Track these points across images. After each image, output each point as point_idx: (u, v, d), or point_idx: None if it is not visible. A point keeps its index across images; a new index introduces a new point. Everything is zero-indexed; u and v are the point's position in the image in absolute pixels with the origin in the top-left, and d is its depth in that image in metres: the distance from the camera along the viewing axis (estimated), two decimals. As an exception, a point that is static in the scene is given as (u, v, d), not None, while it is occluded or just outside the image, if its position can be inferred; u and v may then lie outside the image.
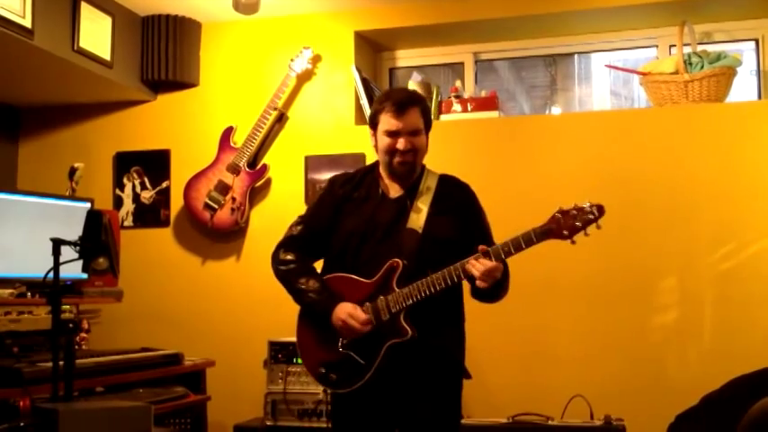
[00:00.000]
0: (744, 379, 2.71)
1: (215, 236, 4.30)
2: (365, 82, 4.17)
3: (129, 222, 4.45)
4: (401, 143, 2.57)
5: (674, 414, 2.77)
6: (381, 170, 2.69)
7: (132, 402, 2.73)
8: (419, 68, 4.52)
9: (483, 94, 4.24)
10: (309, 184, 4.22)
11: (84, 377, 3.02)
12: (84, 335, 3.86)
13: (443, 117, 4.18)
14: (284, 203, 4.17)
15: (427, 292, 2.48)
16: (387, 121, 2.59)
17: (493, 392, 3.77)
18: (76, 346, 3.52)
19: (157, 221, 4.43)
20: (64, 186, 3.98)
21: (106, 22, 4.04)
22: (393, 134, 2.58)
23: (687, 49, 3.87)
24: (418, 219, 2.58)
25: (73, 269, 2.62)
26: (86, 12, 3.88)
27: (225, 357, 3.98)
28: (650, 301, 3.78)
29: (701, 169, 3.78)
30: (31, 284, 3.32)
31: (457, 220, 2.62)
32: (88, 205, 3.72)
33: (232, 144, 4.23)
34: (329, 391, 2.76)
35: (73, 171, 3.98)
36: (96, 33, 3.95)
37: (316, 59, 4.28)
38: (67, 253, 2.57)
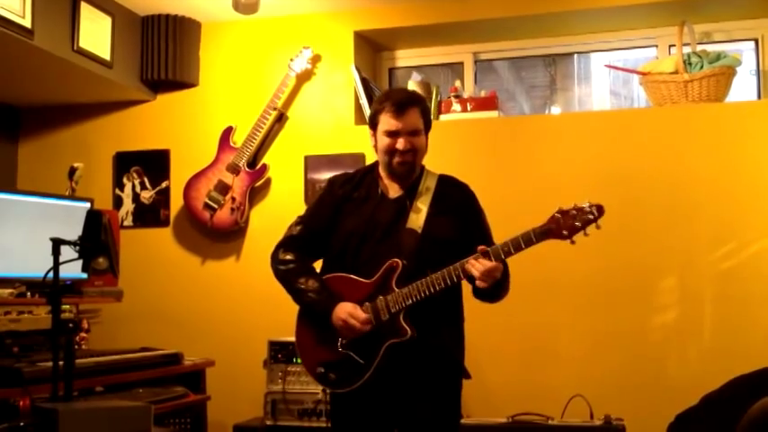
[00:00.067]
0: (744, 379, 2.70)
1: (215, 236, 4.31)
2: (365, 82, 4.17)
3: (128, 222, 4.45)
4: (401, 143, 2.57)
5: (674, 413, 2.77)
6: (381, 170, 2.69)
7: (132, 402, 2.74)
8: (419, 68, 4.52)
9: (482, 93, 4.24)
10: (309, 184, 4.22)
11: (84, 377, 3.02)
12: (83, 335, 3.86)
13: (443, 117, 4.18)
14: (284, 203, 4.17)
15: (427, 292, 2.48)
16: (386, 122, 2.59)
17: (493, 392, 3.77)
18: (76, 346, 3.52)
19: (157, 221, 4.43)
20: (64, 186, 3.98)
21: (106, 22, 4.04)
22: (393, 134, 2.58)
23: (687, 49, 3.87)
24: (418, 219, 2.58)
25: (73, 269, 2.61)
26: (86, 12, 3.88)
27: (225, 357, 3.99)
28: (650, 300, 3.78)
29: (700, 169, 3.78)
30: (31, 284, 3.32)
31: (456, 221, 2.63)
32: (88, 205, 3.72)
33: (232, 144, 4.23)
34: (328, 391, 2.76)
35: (73, 171, 3.99)
36: (96, 33, 3.95)
37: (315, 59, 4.28)
38: (67, 253, 2.57)
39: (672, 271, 3.77)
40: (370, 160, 3.60)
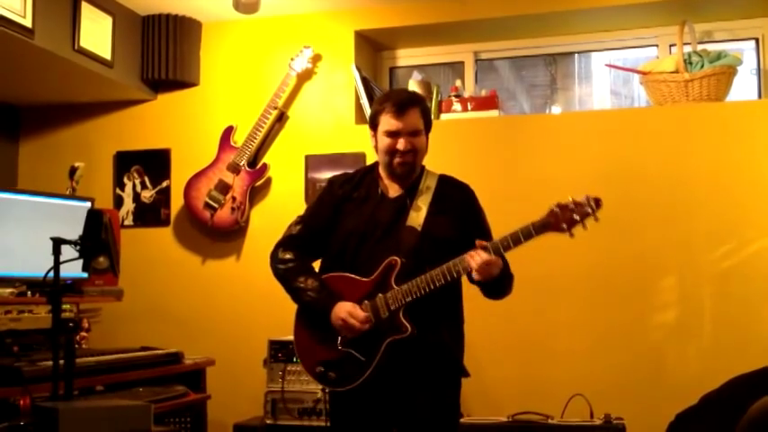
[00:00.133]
0: (743, 378, 2.70)
1: (215, 235, 4.31)
2: (365, 81, 4.17)
3: (129, 221, 4.46)
4: (401, 143, 2.58)
5: (675, 413, 2.77)
6: (381, 170, 2.70)
7: (132, 401, 2.75)
8: (419, 68, 4.52)
9: (483, 93, 4.25)
10: (309, 184, 4.22)
11: (85, 376, 3.02)
12: (84, 334, 3.86)
13: (443, 116, 4.18)
14: (284, 203, 4.17)
15: (426, 289, 2.48)
16: (387, 122, 2.59)
17: (492, 390, 3.77)
18: (77, 345, 3.52)
19: (158, 221, 4.43)
20: (64, 186, 3.99)
21: (107, 22, 4.04)
22: (393, 134, 2.59)
23: (687, 49, 3.87)
24: (417, 217, 2.59)
25: (73, 268, 2.62)
26: (87, 11, 3.88)
27: (225, 356, 3.99)
28: (650, 299, 3.78)
29: (701, 168, 3.78)
30: (32, 283, 3.32)
31: (456, 220, 2.63)
32: (88, 204, 3.72)
33: (232, 143, 4.23)
34: (327, 390, 2.76)
35: (73, 170, 3.99)
36: (97, 33, 3.96)
37: (316, 59, 4.28)
38: (68, 252, 2.58)
39: (672, 270, 3.77)
40: (370, 160, 3.61)
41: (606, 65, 4.57)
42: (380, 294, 2.53)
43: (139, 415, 2.27)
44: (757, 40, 4.14)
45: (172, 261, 4.37)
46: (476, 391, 3.48)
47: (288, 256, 2.68)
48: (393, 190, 2.67)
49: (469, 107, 4.16)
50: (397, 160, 2.60)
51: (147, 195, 4.47)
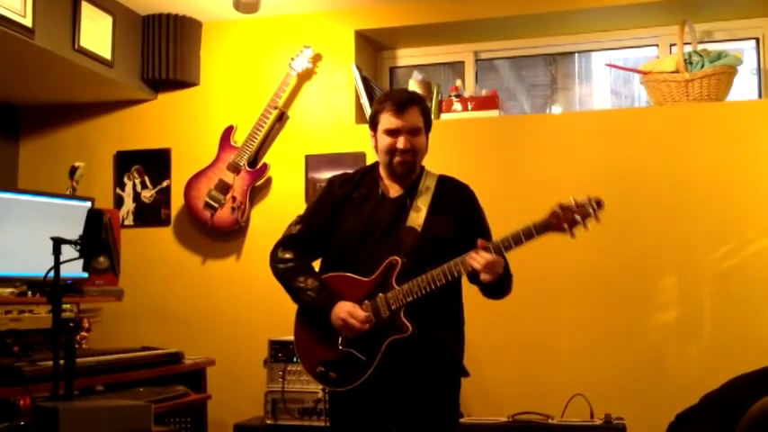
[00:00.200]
0: (744, 378, 2.70)
1: (215, 235, 4.31)
2: (365, 81, 4.17)
3: (129, 221, 4.46)
4: (401, 142, 2.58)
5: (675, 413, 2.77)
6: (381, 170, 2.70)
7: (132, 401, 2.75)
8: (419, 67, 4.52)
9: (483, 93, 4.24)
10: (310, 183, 4.22)
11: (85, 376, 3.03)
12: (84, 334, 3.86)
13: (444, 116, 4.18)
14: (284, 202, 4.17)
15: (427, 289, 2.48)
16: (387, 120, 2.59)
17: (492, 391, 3.77)
18: (77, 345, 3.52)
19: (158, 220, 4.43)
20: (64, 185, 3.99)
21: (107, 22, 4.04)
22: (393, 133, 2.59)
23: (688, 48, 3.87)
24: (418, 217, 2.59)
25: (73, 268, 2.62)
26: (87, 11, 3.88)
27: (225, 356, 3.99)
28: (650, 299, 3.78)
29: (701, 168, 3.78)
30: (32, 283, 3.32)
31: (456, 220, 2.63)
32: (89, 204, 3.72)
33: (232, 143, 4.23)
34: (327, 390, 2.76)
35: (73, 170, 3.99)
36: (97, 32, 3.95)
37: (316, 58, 4.28)
38: (68, 252, 2.58)
39: (672, 270, 3.77)
40: (370, 160, 3.61)
41: (606, 65, 4.57)
42: (381, 294, 2.53)
43: (140, 415, 2.27)
44: (757, 40, 4.14)
45: (172, 261, 4.37)
46: (476, 391, 3.48)
47: (288, 255, 2.67)
48: (393, 190, 2.67)
49: (470, 107, 4.15)
50: (396, 159, 2.60)
51: (147, 195, 4.47)
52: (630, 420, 3.34)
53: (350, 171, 2.82)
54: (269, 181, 4.27)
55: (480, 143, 4.08)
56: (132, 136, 4.49)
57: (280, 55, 4.29)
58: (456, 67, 4.59)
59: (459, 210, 2.66)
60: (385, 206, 2.63)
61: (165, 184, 4.45)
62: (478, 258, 2.44)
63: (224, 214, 4.19)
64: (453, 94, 4.22)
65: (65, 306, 3.29)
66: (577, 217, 2.44)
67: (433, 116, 3.38)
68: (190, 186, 4.25)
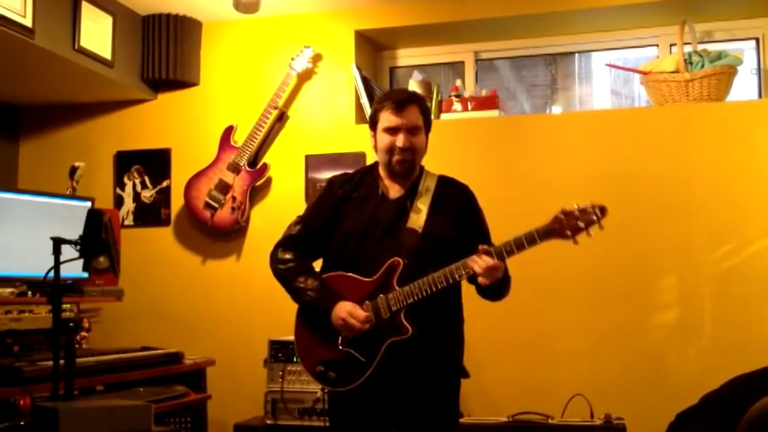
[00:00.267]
0: (744, 378, 2.70)
1: (215, 235, 4.31)
2: (365, 81, 4.17)
3: (129, 221, 4.46)
4: (400, 140, 2.57)
5: (675, 413, 2.77)
6: (381, 170, 2.69)
7: (132, 401, 2.75)
8: (420, 67, 4.52)
9: (483, 93, 4.24)
10: (310, 183, 4.22)
11: (85, 376, 3.03)
12: (84, 334, 3.86)
13: (444, 116, 4.18)
14: (284, 202, 4.17)
15: (428, 291, 2.48)
16: (386, 118, 2.60)
17: (492, 391, 3.77)
18: (77, 345, 3.52)
19: (158, 220, 4.43)
20: (64, 185, 3.99)
21: (107, 22, 4.04)
22: (392, 131, 2.59)
23: (688, 48, 3.87)
24: (418, 219, 2.58)
25: (73, 268, 2.62)
26: (87, 11, 3.88)
27: (225, 356, 3.99)
28: (651, 299, 3.78)
29: (701, 168, 3.78)
30: (32, 283, 3.32)
31: (456, 221, 2.63)
32: (89, 204, 3.72)
33: (232, 143, 4.23)
34: (327, 390, 2.76)
35: (73, 170, 3.99)
36: (97, 32, 3.95)
37: (316, 58, 4.28)
38: (68, 252, 2.58)
39: (672, 270, 3.77)
40: (370, 160, 3.60)
41: (606, 65, 4.57)
42: (382, 295, 2.53)
43: (140, 415, 2.27)
44: (757, 40, 4.13)
45: (172, 261, 4.37)
46: (476, 392, 3.48)
47: (288, 256, 2.67)
48: (393, 191, 2.67)
49: (470, 107, 4.15)
50: (395, 158, 2.60)
51: (147, 195, 4.47)
52: (630, 420, 3.34)
53: (350, 171, 2.82)
54: (269, 181, 4.27)
55: (480, 143, 4.08)
56: (132, 136, 4.49)
57: (280, 55, 4.29)
58: (456, 67, 4.59)
59: (459, 211, 2.66)
60: (385, 207, 2.63)
61: (165, 184, 4.45)
62: (480, 262, 2.44)
63: (224, 214, 4.19)
64: (453, 94, 4.22)
65: (65, 306, 3.30)
66: (581, 224, 2.44)
67: (433, 116, 3.38)
68: (190, 186, 4.25)
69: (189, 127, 4.43)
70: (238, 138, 4.24)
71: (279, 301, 2.81)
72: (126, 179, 4.49)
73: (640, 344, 3.75)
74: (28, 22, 3.48)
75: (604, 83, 4.88)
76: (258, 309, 4.12)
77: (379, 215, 2.61)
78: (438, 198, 2.64)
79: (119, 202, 4.48)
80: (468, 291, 2.66)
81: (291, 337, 2.73)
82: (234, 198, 4.18)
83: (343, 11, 4.27)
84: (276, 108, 4.19)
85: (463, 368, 2.63)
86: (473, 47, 4.47)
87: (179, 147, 4.44)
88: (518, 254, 2.46)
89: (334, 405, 2.69)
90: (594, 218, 2.44)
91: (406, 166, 2.62)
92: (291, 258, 2.67)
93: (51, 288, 2.55)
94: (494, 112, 4.12)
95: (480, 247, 2.46)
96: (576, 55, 4.75)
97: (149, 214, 4.45)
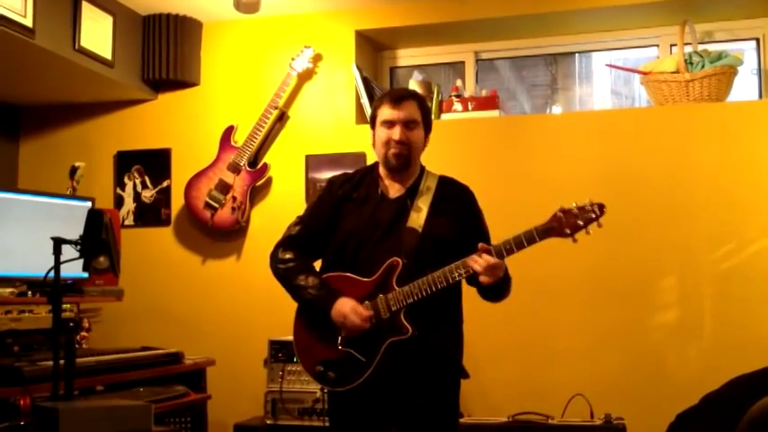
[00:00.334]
0: (744, 378, 2.70)
1: (215, 235, 4.31)
2: (366, 81, 4.17)
3: (129, 221, 4.46)
4: (396, 133, 2.58)
5: (675, 413, 2.76)
6: (381, 170, 2.69)
7: (132, 401, 2.75)
8: (420, 67, 4.52)
9: (484, 93, 4.24)
10: (310, 184, 4.22)
11: (85, 376, 3.03)
12: (84, 334, 3.87)
13: (444, 116, 4.18)
14: (285, 203, 4.17)
15: (428, 291, 2.48)
16: (384, 112, 2.62)
17: (492, 391, 3.77)
18: (77, 345, 3.52)
19: (158, 220, 4.43)
20: (65, 185, 3.99)
21: (107, 22, 4.04)
22: (389, 124, 2.60)
23: (688, 49, 3.87)
24: (418, 218, 2.58)
25: (74, 268, 2.62)
26: (87, 11, 3.88)
27: (225, 356, 3.99)
28: (651, 299, 3.78)
29: (701, 168, 3.78)
30: (32, 283, 3.32)
31: (456, 221, 2.63)
32: (89, 204, 3.72)
33: (233, 143, 4.23)
34: (326, 390, 2.76)
35: (74, 170, 3.99)
36: (97, 32, 3.95)
37: (316, 58, 4.28)
38: (68, 252, 2.58)
39: (672, 270, 3.77)
40: (370, 160, 3.61)
41: (607, 65, 4.57)
42: (381, 295, 2.53)
43: (140, 415, 2.27)
44: (758, 41, 4.13)
45: (172, 261, 4.37)
46: (476, 392, 3.48)
47: (288, 255, 2.67)
48: (393, 190, 2.67)
49: (470, 107, 4.15)
50: (391, 151, 2.59)
51: (147, 195, 4.47)
52: (630, 420, 3.34)
53: (350, 171, 2.82)
54: (269, 181, 4.27)
55: (480, 143, 4.08)
56: (132, 136, 4.49)
57: (280, 55, 4.29)
58: (456, 67, 4.59)
59: (459, 211, 2.66)
60: (385, 206, 2.63)
61: (165, 184, 4.45)
62: (480, 261, 2.44)
63: (224, 214, 4.19)
64: (454, 94, 4.22)
65: (65, 306, 3.29)
66: (579, 222, 2.44)
67: (433, 116, 3.38)
68: (190, 186, 4.25)
69: (189, 127, 4.43)
70: (238, 138, 4.24)
71: (279, 302, 2.81)
72: (126, 179, 4.49)
73: (640, 344, 3.75)
74: (28, 21, 3.49)
75: (605, 83, 4.89)
76: (258, 309, 4.12)
77: (379, 215, 2.61)
78: (438, 198, 2.64)
79: (119, 202, 4.48)
80: (468, 291, 2.66)
81: (291, 337, 2.73)
82: (234, 198, 4.18)
83: (343, 11, 4.27)
84: (276, 108, 4.19)
85: (463, 368, 2.63)
86: (473, 47, 4.47)
87: (179, 147, 4.44)
88: (517, 252, 2.46)
89: (334, 405, 2.69)
90: (593, 216, 2.44)
91: (402, 160, 2.61)
92: (292, 258, 2.67)
93: (51, 288, 2.55)
94: (494, 113, 4.12)
95: (480, 245, 2.46)
96: (577, 55, 4.75)
97: (149, 214, 4.45)
